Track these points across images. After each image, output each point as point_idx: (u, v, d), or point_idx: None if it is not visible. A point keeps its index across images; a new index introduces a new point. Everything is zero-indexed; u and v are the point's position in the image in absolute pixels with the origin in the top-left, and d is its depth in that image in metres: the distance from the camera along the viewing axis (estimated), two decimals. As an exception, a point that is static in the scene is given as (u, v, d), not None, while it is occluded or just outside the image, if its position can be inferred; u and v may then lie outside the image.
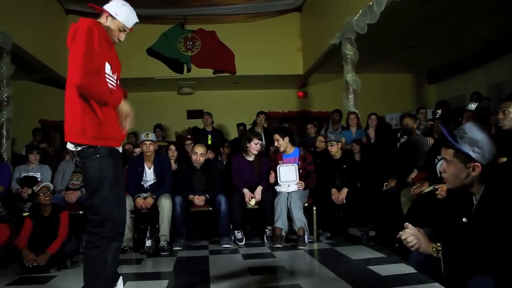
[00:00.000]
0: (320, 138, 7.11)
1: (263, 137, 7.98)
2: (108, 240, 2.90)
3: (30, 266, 4.25)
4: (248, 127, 9.50)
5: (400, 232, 2.21)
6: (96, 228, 2.86)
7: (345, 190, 5.76)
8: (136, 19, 3.15)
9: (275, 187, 5.80)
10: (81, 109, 2.79)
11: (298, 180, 5.77)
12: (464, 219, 2.15)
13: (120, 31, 3.08)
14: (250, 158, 6.14)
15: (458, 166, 2.10)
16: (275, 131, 6.15)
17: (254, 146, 6.04)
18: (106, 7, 3.07)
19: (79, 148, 2.85)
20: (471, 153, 2.05)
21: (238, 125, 9.93)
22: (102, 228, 2.86)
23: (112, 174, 2.91)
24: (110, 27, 3.04)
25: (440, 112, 5.71)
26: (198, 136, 8.37)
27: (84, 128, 2.79)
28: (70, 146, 2.90)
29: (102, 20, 3.05)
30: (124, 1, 3.11)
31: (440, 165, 4.44)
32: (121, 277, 3.20)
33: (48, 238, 4.48)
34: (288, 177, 5.79)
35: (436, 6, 7.35)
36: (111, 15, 3.04)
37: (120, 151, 3.06)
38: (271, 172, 5.94)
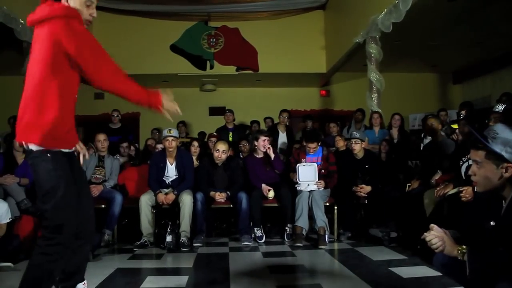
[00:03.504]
0: (338, 138, 7.00)
1: (285, 136, 7.97)
2: (62, 247, 2.57)
3: (53, 258, 4.30)
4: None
5: (425, 233, 2.17)
6: (50, 234, 2.55)
7: (368, 187, 5.73)
8: None
9: (295, 186, 5.80)
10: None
11: (317, 179, 5.75)
12: (492, 222, 2.10)
13: (87, 6, 2.64)
14: (259, 156, 6.18)
15: (490, 168, 2.06)
16: (310, 138, 6.04)
17: (262, 143, 6.08)
18: None
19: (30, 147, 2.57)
20: (503, 153, 2.01)
21: (252, 122, 9.81)
22: (57, 234, 2.54)
23: (68, 175, 2.61)
24: (76, 8, 2.57)
25: (464, 113, 5.61)
26: (219, 133, 8.39)
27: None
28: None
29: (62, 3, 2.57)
30: None
31: (465, 167, 4.42)
32: (85, 282, 2.95)
33: (71, 231, 4.52)
34: (307, 176, 5.77)
35: (463, 5, 7.21)
36: None
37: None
38: (266, 145, 6.07)
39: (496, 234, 2.04)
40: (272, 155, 6.06)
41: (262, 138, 6.09)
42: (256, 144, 6.13)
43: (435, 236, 2.12)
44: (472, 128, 2.22)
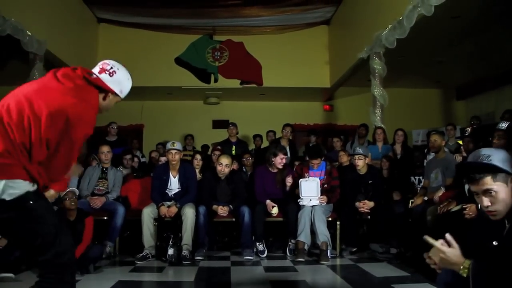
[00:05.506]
0: (342, 153, 7.05)
1: (288, 150, 7.96)
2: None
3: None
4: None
5: (424, 253, 2.16)
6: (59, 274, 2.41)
7: (371, 202, 5.73)
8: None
9: (298, 201, 5.79)
10: None
11: (319, 195, 5.74)
12: (494, 242, 2.08)
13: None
14: (274, 170, 6.16)
15: (503, 189, 2.00)
16: (314, 155, 6.10)
17: (280, 161, 6.09)
18: (112, 85, 2.59)
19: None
20: (508, 169, 1.99)
21: (255, 136, 9.92)
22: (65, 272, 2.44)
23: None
24: (108, 104, 2.62)
25: (469, 130, 5.62)
26: (222, 146, 8.37)
27: None
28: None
29: (100, 96, 2.58)
30: (127, 73, 2.67)
31: (468, 187, 4.40)
32: None
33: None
34: (309, 192, 5.76)
35: (467, 22, 7.25)
36: (115, 93, 2.62)
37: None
38: (288, 180, 6.06)
39: (499, 254, 2.02)
40: (288, 188, 6.10)
41: (281, 156, 6.11)
42: (273, 159, 6.13)
43: (432, 256, 2.10)
44: (465, 162, 2.18)
